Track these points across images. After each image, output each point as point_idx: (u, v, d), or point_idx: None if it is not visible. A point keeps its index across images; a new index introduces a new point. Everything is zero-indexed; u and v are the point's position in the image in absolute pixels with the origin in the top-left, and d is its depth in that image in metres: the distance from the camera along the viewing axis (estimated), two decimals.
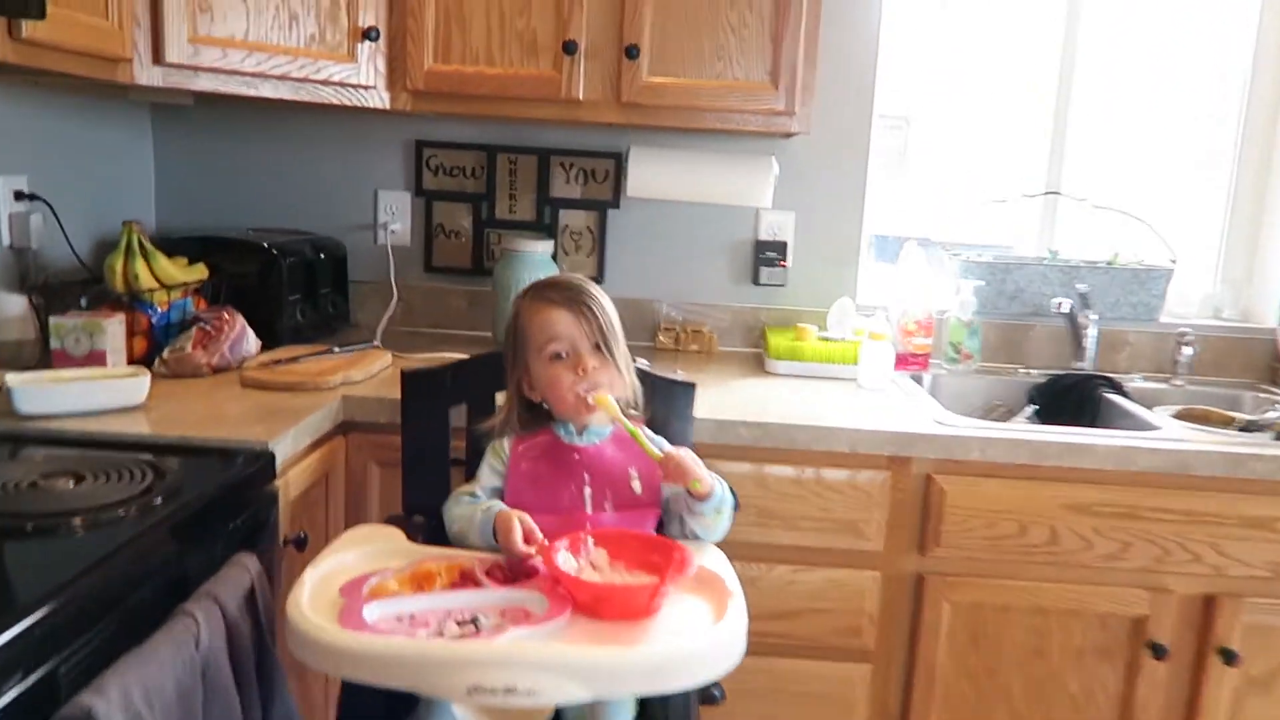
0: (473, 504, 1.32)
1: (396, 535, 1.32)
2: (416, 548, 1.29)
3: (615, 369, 1.34)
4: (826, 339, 2.16)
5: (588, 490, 1.36)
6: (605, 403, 1.30)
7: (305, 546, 1.51)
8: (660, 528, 1.37)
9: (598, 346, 1.32)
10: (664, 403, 1.48)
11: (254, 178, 2.34)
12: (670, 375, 1.54)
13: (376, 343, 2.04)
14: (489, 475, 1.38)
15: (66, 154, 2.00)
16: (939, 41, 2.41)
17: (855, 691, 1.79)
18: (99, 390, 1.50)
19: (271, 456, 1.41)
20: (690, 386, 1.54)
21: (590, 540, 1.25)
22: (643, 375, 1.44)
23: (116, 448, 1.38)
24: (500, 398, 1.46)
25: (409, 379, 1.50)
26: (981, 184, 2.47)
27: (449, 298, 2.36)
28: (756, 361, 2.22)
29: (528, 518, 1.24)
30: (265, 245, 2.04)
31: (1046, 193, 2.39)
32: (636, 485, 1.37)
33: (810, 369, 2.10)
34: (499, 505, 1.29)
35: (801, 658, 1.76)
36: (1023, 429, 1.75)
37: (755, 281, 2.32)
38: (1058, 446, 1.68)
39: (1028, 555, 1.72)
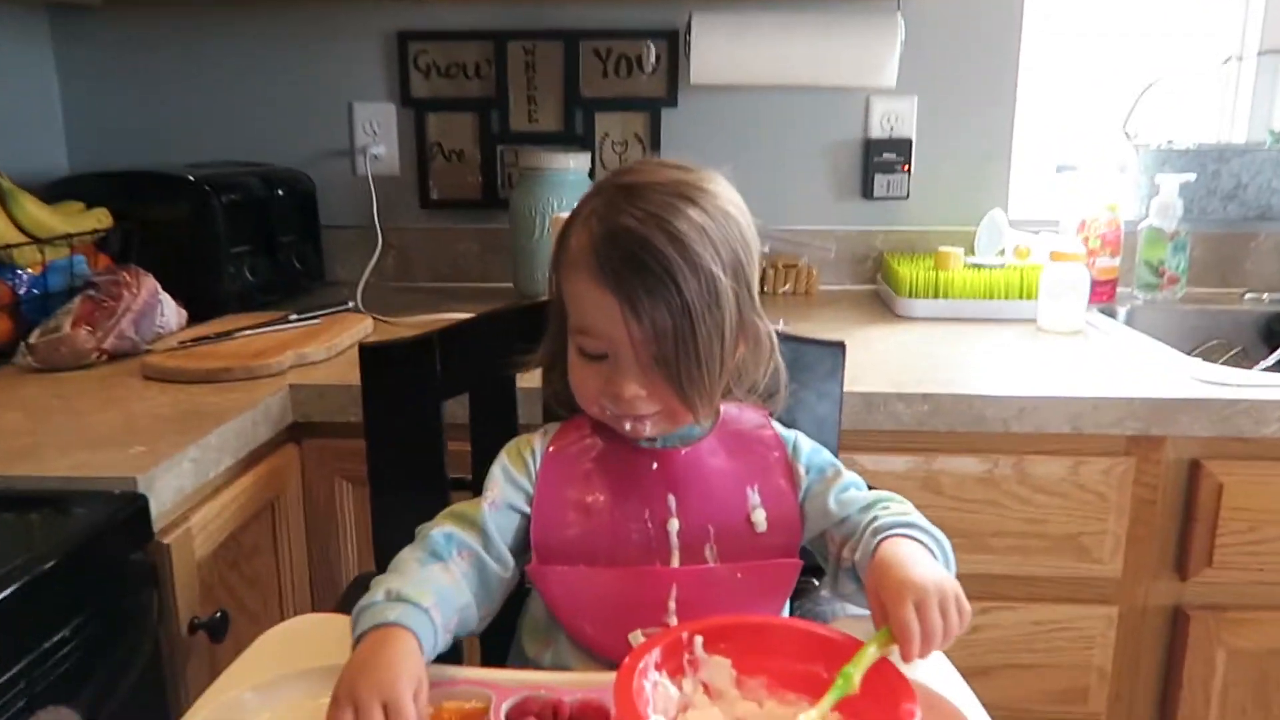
0: (422, 555, 0.74)
1: (346, 636, 0.74)
2: None
3: (682, 397, 0.74)
4: (979, 266, 1.54)
5: (674, 525, 0.77)
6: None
7: (226, 631, 0.94)
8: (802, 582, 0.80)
9: (658, 363, 0.73)
10: (797, 375, 0.89)
11: (192, 98, 1.75)
12: (806, 335, 0.94)
13: (352, 304, 1.46)
14: (505, 487, 0.78)
15: None
16: None
17: None
18: None
19: (142, 502, 0.84)
20: (835, 348, 0.94)
21: (699, 642, 0.67)
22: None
23: None
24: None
25: (371, 358, 0.91)
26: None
27: (454, 240, 1.77)
28: (876, 304, 1.61)
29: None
30: (191, 180, 1.46)
31: (1264, 52, 1.73)
32: (759, 517, 0.79)
33: (961, 309, 1.49)
34: (404, 610, 0.67)
35: None
36: None
37: (867, 195, 1.71)
38: None
39: None
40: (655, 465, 0.79)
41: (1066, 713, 1.19)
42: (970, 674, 0.79)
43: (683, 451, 0.79)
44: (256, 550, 1.08)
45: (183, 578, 0.91)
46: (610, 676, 0.63)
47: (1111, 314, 1.55)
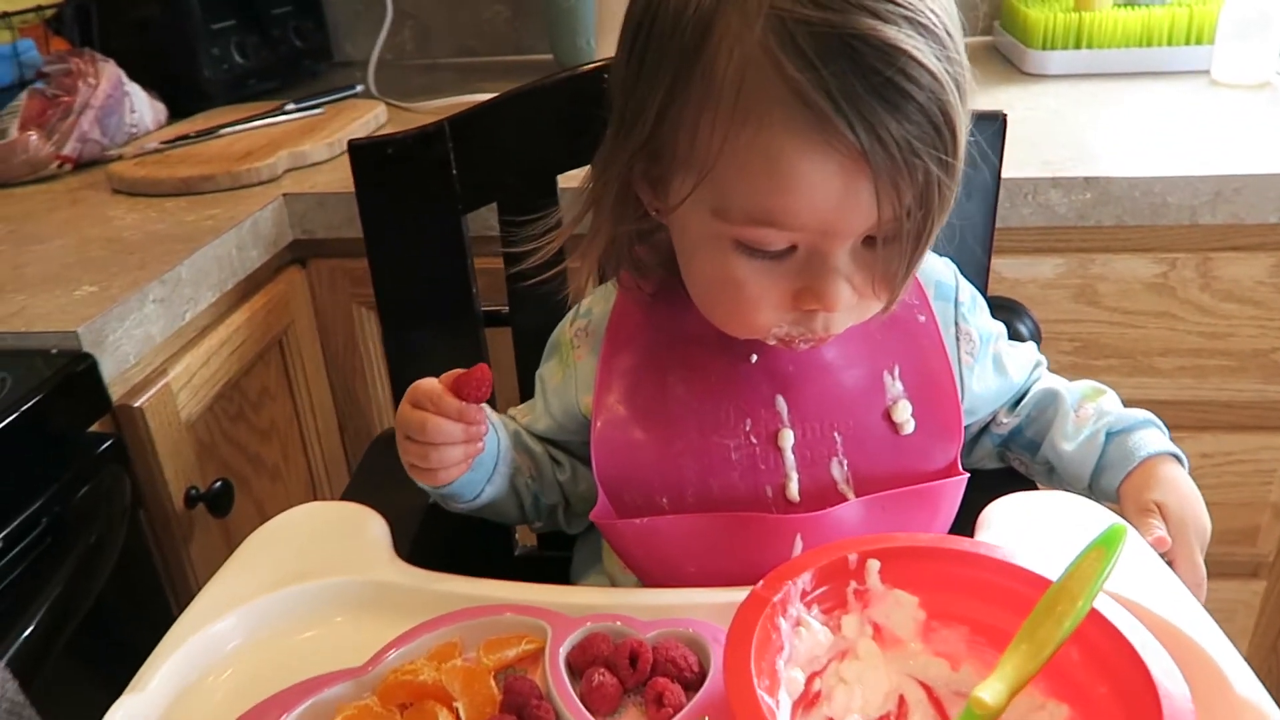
0: None
1: (359, 537, 0.57)
2: (402, 581, 0.53)
3: (895, 289, 0.50)
4: (1132, 4, 1.23)
5: (787, 438, 0.56)
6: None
7: (230, 501, 0.78)
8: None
9: (879, 244, 0.47)
10: None
11: None
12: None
13: (361, 88, 1.22)
14: (553, 395, 0.61)
15: None
16: None
17: (1235, 623, 1.05)
18: None
19: (88, 362, 0.65)
20: (993, 121, 0.69)
21: (875, 568, 0.47)
22: None
23: None
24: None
25: (363, 158, 0.69)
26: None
27: (478, 3, 1.47)
28: (996, 60, 1.31)
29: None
30: None
31: None
32: (903, 413, 0.57)
33: (1111, 61, 1.19)
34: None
35: None
36: None
37: None
38: None
39: None
40: (755, 358, 0.56)
41: (1228, 554, 1.01)
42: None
43: (785, 349, 0.56)
44: (266, 396, 0.91)
45: (167, 445, 0.74)
46: (722, 598, 0.45)
47: None
